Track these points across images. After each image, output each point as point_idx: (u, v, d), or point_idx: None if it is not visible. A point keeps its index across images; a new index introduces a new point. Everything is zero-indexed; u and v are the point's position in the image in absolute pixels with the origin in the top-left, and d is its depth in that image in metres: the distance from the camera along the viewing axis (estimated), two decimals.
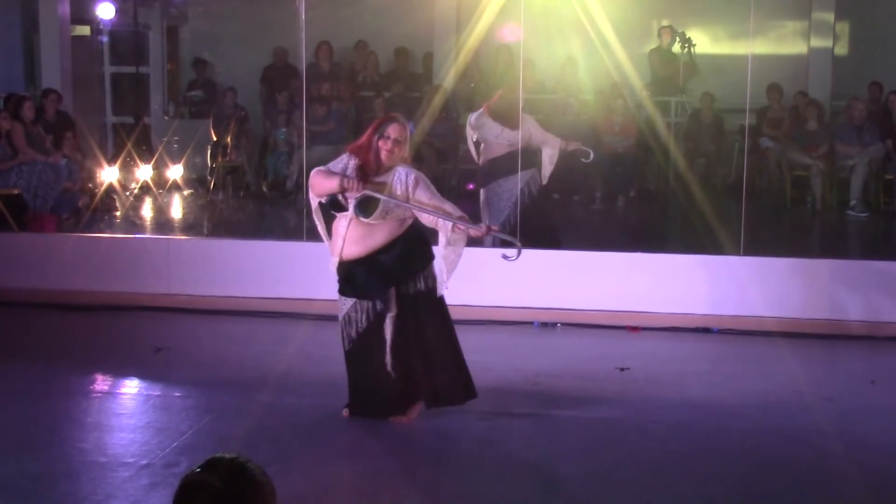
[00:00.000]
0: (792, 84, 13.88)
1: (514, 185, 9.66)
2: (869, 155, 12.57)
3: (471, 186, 12.58)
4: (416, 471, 5.77)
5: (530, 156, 9.80)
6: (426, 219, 6.11)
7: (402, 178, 6.09)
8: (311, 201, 6.22)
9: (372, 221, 6.04)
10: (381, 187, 6.02)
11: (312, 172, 6.09)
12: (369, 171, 6.04)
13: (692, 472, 5.75)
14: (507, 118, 9.73)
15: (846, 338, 8.54)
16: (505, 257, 6.15)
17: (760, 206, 11.68)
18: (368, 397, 6.35)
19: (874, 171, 12.68)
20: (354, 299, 6.25)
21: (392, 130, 6.06)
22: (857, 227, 12.16)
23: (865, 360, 8.13)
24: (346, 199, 6.02)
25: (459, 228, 6.03)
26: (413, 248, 6.20)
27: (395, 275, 6.15)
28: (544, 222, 9.91)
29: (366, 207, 5.98)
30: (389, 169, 6.09)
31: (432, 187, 6.19)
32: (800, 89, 13.89)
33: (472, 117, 9.92)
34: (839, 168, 12.84)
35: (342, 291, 6.30)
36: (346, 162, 6.08)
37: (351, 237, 6.11)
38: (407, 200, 6.04)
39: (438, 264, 6.18)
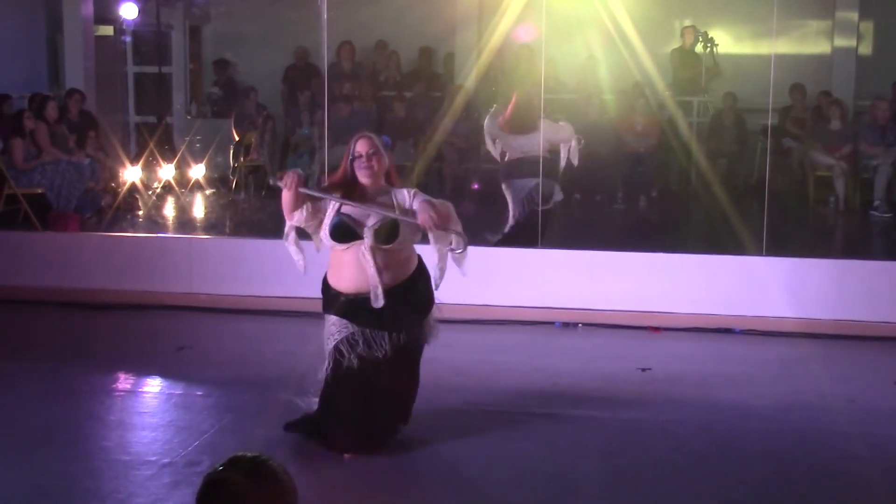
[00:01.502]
0: (815, 84, 13.82)
1: (525, 187, 9.92)
2: (893, 155, 12.49)
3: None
4: (436, 469, 5.77)
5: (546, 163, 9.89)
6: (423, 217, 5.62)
7: (404, 195, 5.80)
8: (287, 227, 6.03)
9: (391, 247, 5.70)
10: (385, 207, 5.71)
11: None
12: (361, 196, 5.73)
13: (713, 473, 5.74)
14: (521, 128, 10.03)
15: (869, 339, 8.49)
16: (450, 251, 5.89)
17: (783, 207, 11.62)
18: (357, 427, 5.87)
19: None
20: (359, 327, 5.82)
21: (360, 147, 5.75)
22: (880, 228, 12.09)
23: (888, 361, 8.08)
24: (355, 223, 5.69)
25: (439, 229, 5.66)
26: (420, 293, 5.94)
27: (400, 318, 5.82)
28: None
29: (382, 233, 5.65)
30: (382, 188, 5.79)
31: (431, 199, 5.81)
32: (823, 89, 13.82)
33: (487, 124, 10.20)
34: (863, 168, 12.77)
35: (342, 314, 5.89)
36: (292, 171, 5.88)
37: (357, 268, 5.76)
38: (406, 213, 5.69)
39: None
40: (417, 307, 5.93)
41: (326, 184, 5.90)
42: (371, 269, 5.71)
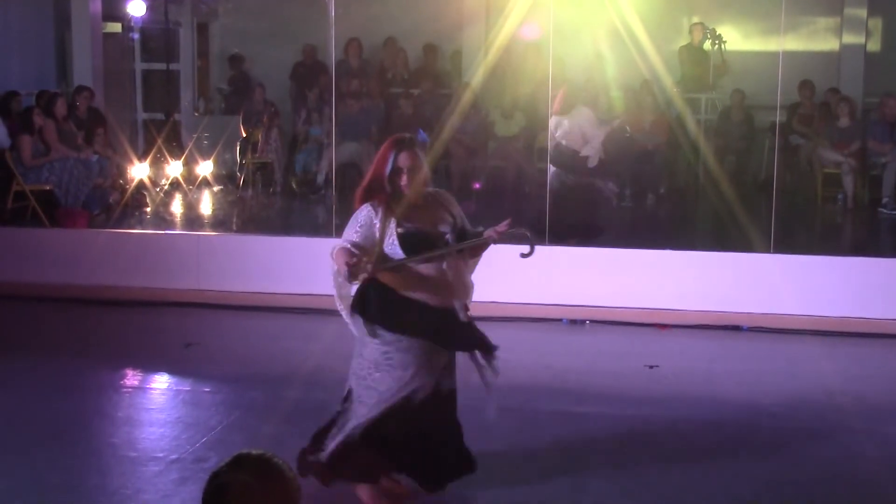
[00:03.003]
0: (823, 81, 13.77)
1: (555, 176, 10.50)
2: None
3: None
4: None
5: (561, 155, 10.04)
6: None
7: (449, 200, 5.36)
8: (335, 281, 5.33)
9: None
10: (427, 219, 5.20)
11: (334, 252, 5.24)
12: (399, 212, 5.16)
13: (721, 470, 5.73)
14: (562, 110, 10.66)
15: (877, 336, 8.48)
16: (521, 255, 5.47)
17: (791, 204, 11.61)
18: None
19: None
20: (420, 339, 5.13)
21: (403, 161, 5.15)
22: (889, 225, 12.06)
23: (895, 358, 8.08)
24: (427, 234, 5.14)
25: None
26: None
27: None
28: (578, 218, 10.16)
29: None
30: (422, 197, 5.25)
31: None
32: (831, 86, 13.78)
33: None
34: (871, 165, 12.74)
35: (402, 329, 5.15)
36: (369, 214, 5.14)
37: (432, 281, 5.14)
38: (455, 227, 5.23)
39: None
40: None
41: (361, 195, 5.24)
42: (461, 281, 5.23)
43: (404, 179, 5.14)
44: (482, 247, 5.29)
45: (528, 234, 5.32)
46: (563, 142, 10.41)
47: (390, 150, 5.20)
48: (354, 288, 5.22)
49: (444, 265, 5.12)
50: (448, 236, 5.14)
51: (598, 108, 13.20)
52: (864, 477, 5.69)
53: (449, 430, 5.29)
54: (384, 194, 5.15)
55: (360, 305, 5.18)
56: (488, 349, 5.33)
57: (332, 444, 5.15)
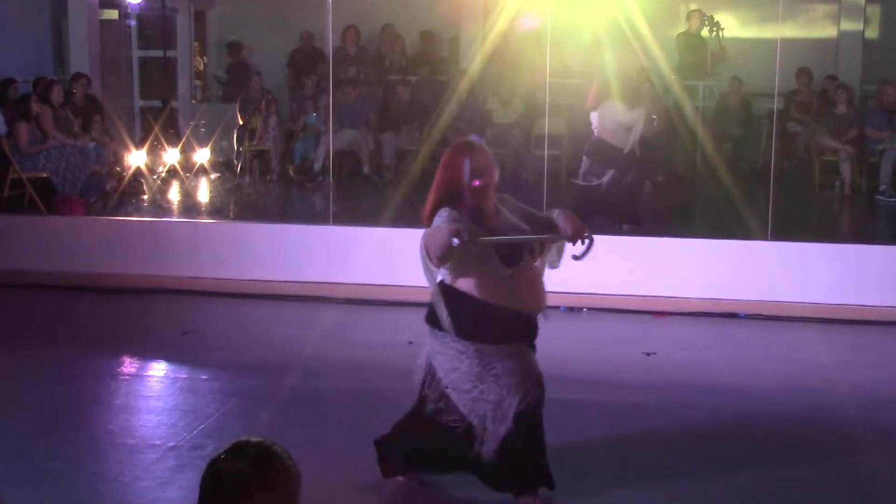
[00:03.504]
0: (821, 68, 13.77)
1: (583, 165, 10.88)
2: None
3: (476, 183, 12.51)
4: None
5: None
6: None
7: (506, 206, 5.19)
8: (432, 274, 5.03)
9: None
10: (505, 225, 5.05)
11: (424, 235, 4.94)
12: (483, 220, 4.97)
13: (718, 457, 5.74)
14: (593, 105, 10.85)
15: (874, 323, 8.49)
16: (574, 257, 5.24)
17: (788, 191, 11.59)
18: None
19: None
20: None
21: (479, 162, 5.01)
22: (886, 212, 12.06)
23: (892, 345, 8.08)
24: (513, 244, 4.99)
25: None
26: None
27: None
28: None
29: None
30: (493, 207, 5.10)
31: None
32: (829, 73, 13.78)
33: None
34: (869, 152, 12.73)
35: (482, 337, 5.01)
36: (453, 213, 4.90)
37: (520, 288, 5.04)
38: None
39: None
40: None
41: (436, 202, 5.04)
42: (543, 286, 5.15)
43: (484, 184, 5.00)
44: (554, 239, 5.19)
45: (592, 238, 5.19)
46: (603, 136, 10.50)
47: (462, 156, 5.03)
48: (440, 276, 5.05)
49: (538, 267, 5.09)
50: (533, 242, 5.05)
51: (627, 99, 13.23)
52: (861, 463, 5.70)
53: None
54: (463, 203, 4.97)
55: (455, 323, 5.00)
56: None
57: (486, 454, 4.99)
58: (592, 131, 10.86)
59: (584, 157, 10.95)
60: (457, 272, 4.99)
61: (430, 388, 5.19)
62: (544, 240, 5.10)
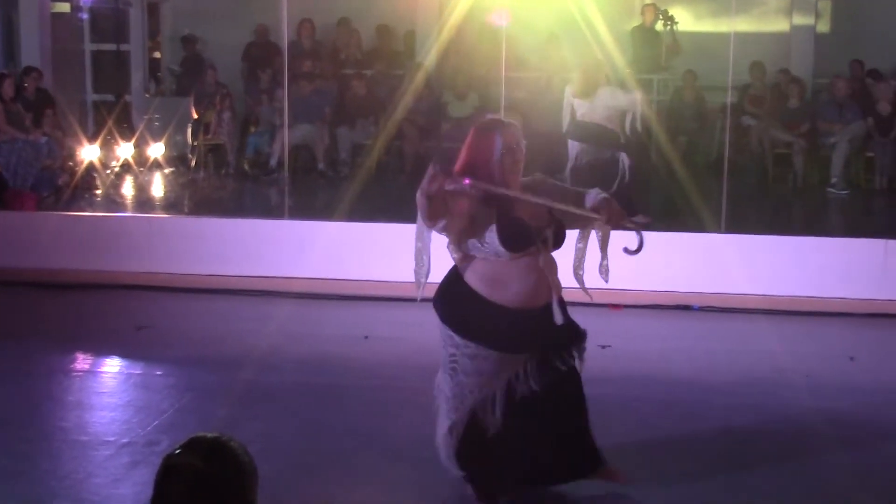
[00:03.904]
0: (774, 61, 13.88)
1: (574, 149, 10.28)
2: (850, 132, 12.58)
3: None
4: (401, 450, 5.76)
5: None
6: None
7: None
8: (422, 236, 5.00)
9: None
10: (526, 211, 4.80)
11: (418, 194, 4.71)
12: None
13: (674, 448, 5.78)
14: (583, 93, 10.32)
15: (826, 314, 8.57)
16: (625, 251, 5.19)
17: (742, 184, 11.69)
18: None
19: (855, 149, 12.69)
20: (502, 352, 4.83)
21: (511, 137, 4.82)
22: (838, 205, 12.19)
23: (844, 336, 8.16)
24: (528, 228, 4.76)
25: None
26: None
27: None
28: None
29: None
30: (517, 188, 4.86)
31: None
32: (782, 67, 13.89)
33: (566, 92, 10.58)
34: (821, 146, 12.86)
35: (489, 342, 4.82)
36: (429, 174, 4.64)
37: (526, 279, 4.80)
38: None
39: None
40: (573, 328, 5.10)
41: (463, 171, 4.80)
42: (556, 278, 4.89)
43: (515, 158, 4.79)
44: (586, 220, 4.97)
45: (644, 223, 4.98)
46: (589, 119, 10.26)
47: (493, 132, 4.82)
48: (430, 263, 4.98)
49: (541, 261, 4.80)
50: (545, 230, 4.78)
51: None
52: (815, 453, 5.76)
53: (549, 432, 4.93)
54: (491, 176, 4.75)
55: (443, 304, 4.91)
56: (576, 343, 5.06)
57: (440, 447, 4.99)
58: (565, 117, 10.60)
59: (575, 142, 10.34)
60: (458, 248, 4.82)
61: None
62: (560, 210, 4.79)
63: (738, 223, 9.40)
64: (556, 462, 4.98)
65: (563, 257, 5.04)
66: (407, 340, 7.74)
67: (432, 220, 4.72)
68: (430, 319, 6.95)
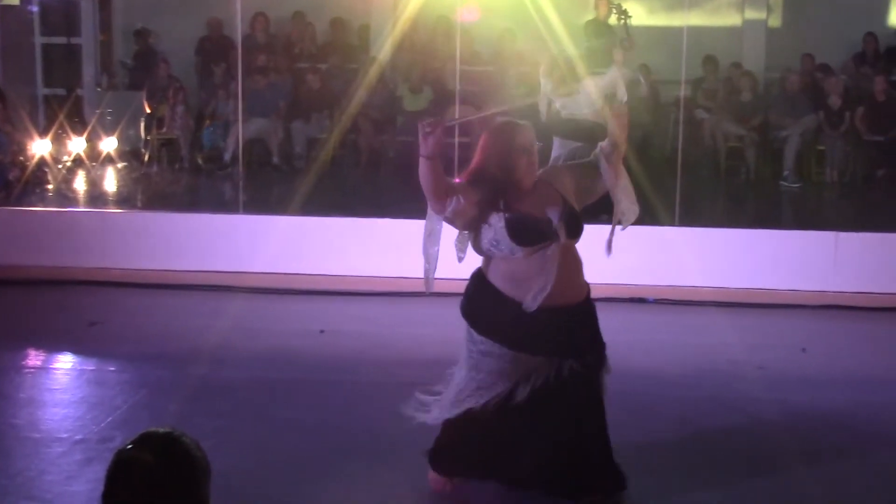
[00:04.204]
0: (727, 56, 13.97)
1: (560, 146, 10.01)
2: (802, 126, 12.70)
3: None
4: (358, 445, 5.76)
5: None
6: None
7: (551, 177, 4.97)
8: (432, 223, 4.97)
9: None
10: (536, 204, 4.81)
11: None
12: (521, 201, 4.78)
13: (629, 440, 5.79)
14: (563, 92, 10.12)
15: (779, 306, 8.65)
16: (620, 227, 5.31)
17: (695, 177, 11.77)
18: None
19: (807, 142, 12.82)
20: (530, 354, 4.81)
21: (527, 139, 4.80)
22: (790, 197, 12.31)
23: (797, 328, 8.24)
24: (539, 220, 4.75)
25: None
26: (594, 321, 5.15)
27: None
28: None
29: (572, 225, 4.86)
30: (530, 184, 4.85)
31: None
32: (734, 61, 13.99)
33: (542, 84, 10.33)
34: (773, 139, 12.97)
35: (512, 344, 4.80)
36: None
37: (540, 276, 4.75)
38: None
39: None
40: (595, 335, 5.10)
41: (464, 181, 4.85)
42: (553, 268, 4.74)
43: (530, 164, 4.78)
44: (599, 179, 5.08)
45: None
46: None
47: (509, 135, 4.81)
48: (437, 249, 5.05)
49: (549, 251, 4.73)
50: (555, 222, 4.75)
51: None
52: (768, 444, 5.81)
53: (565, 438, 4.89)
54: (499, 181, 4.76)
55: (465, 301, 4.97)
56: (594, 351, 5.05)
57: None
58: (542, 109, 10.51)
59: (561, 140, 10.15)
60: (478, 250, 4.86)
61: None
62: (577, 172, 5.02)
63: (692, 216, 9.46)
64: (545, 469, 4.88)
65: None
66: (363, 335, 7.73)
67: (439, 199, 4.72)
68: (382, 313, 6.95)
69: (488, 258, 4.89)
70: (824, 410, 6.37)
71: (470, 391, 4.86)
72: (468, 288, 4.99)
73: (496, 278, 4.82)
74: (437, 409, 5.03)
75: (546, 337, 4.76)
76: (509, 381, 4.79)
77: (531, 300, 4.71)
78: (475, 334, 4.87)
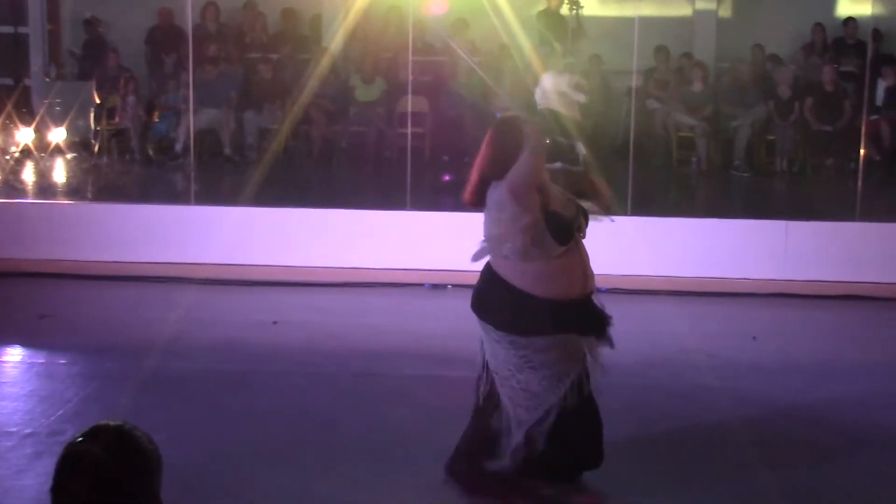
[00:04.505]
0: (678, 46, 14.04)
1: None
2: (752, 116, 12.80)
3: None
4: (311, 435, 5.74)
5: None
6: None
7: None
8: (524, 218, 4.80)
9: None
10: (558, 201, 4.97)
11: (512, 182, 4.77)
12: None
13: None
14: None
15: (729, 295, 8.72)
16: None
17: (647, 167, 11.83)
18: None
19: (757, 132, 12.92)
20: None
21: (538, 133, 4.95)
22: (740, 187, 12.40)
23: (747, 316, 8.31)
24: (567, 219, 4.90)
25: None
26: None
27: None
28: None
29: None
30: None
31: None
32: (685, 51, 14.07)
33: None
34: (724, 129, 13.06)
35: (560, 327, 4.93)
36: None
37: (572, 272, 4.97)
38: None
39: None
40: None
41: (478, 182, 5.00)
42: (586, 256, 5.03)
43: (540, 157, 4.87)
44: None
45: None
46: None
47: (518, 129, 4.92)
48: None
49: (579, 246, 4.95)
50: (580, 219, 4.99)
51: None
52: (718, 431, 5.87)
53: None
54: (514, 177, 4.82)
55: (494, 313, 4.92)
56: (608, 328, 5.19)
57: (508, 450, 4.99)
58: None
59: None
60: (525, 252, 4.82)
61: (483, 381, 5.09)
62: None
63: (644, 206, 9.51)
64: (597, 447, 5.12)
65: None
66: (316, 325, 7.72)
67: (531, 199, 4.76)
68: (336, 304, 6.91)
69: (509, 266, 4.88)
70: (775, 398, 6.43)
71: (545, 388, 4.90)
72: (494, 302, 4.94)
73: (523, 282, 4.84)
74: (516, 429, 4.97)
75: (580, 322, 4.98)
76: (579, 363, 4.96)
77: (584, 289, 4.93)
78: (524, 339, 4.87)
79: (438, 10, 12.71)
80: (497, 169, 4.87)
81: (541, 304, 4.83)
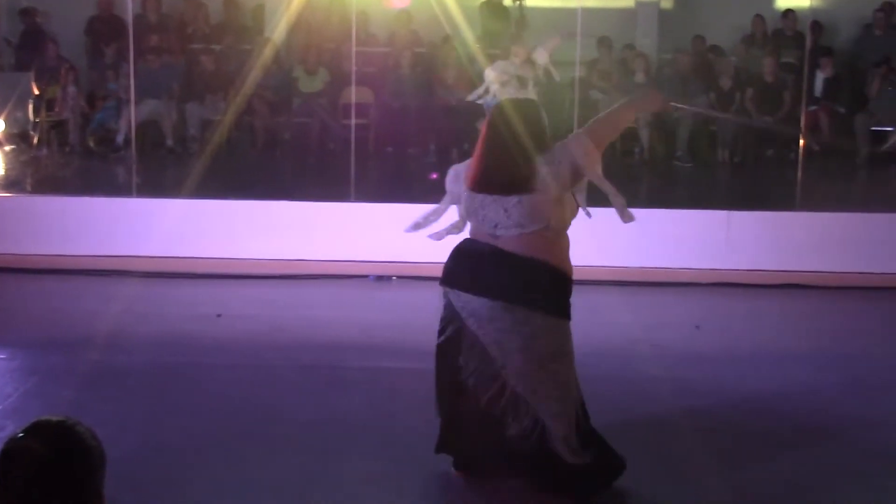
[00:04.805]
0: (620, 37, 14.11)
1: None
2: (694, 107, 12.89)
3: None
4: (255, 428, 5.71)
5: None
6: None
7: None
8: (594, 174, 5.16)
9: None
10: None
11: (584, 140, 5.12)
12: None
13: None
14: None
15: (673, 285, 8.79)
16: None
17: None
18: None
19: (698, 123, 13.02)
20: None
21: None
22: (683, 177, 12.50)
23: (690, 306, 8.38)
24: None
25: None
26: None
27: None
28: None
29: None
30: None
31: None
32: (628, 42, 14.15)
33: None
34: (666, 119, 13.14)
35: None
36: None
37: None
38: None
39: None
40: None
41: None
42: None
43: None
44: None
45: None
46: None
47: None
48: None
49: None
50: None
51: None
52: (662, 420, 5.91)
53: None
54: None
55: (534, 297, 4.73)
56: None
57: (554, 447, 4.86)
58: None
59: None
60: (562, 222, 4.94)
61: (465, 359, 4.97)
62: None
63: (588, 197, 9.52)
64: None
65: None
66: (260, 318, 7.68)
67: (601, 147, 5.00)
68: (280, 296, 6.87)
69: (550, 244, 4.89)
70: (718, 387, 6.49)
71: (572, 377, 4.94)
72: (547, 284, 4.82)
73: (557, 260, 4.88)
74: (551, 421, 4.87)
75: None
76: None
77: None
78: (565, 322, 4.85)
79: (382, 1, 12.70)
80: (509, 154, 5.06)
81: (570, 285, 4.86)
